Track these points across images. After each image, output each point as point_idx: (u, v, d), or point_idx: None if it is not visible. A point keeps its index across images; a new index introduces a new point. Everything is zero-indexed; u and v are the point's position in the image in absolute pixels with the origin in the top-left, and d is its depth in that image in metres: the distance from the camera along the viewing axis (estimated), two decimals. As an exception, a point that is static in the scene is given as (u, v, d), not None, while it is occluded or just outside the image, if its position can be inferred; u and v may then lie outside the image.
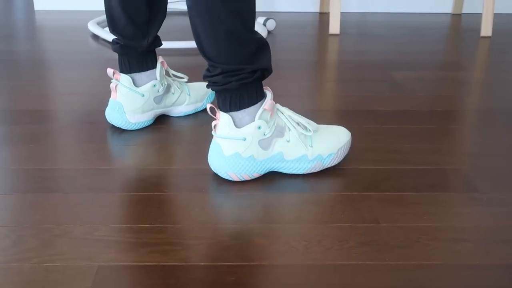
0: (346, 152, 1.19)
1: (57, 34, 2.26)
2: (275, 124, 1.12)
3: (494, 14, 2.33)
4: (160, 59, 1.39)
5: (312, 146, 1.14)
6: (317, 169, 1.16)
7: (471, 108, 1.54)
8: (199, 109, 1.49)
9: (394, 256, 0.92)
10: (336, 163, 1.18)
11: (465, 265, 0.90)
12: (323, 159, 1.15)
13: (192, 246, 0.94)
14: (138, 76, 1.36)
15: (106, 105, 1.52)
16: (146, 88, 1.36)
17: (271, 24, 2.30)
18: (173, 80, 1.45)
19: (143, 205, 1.05)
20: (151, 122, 1.41)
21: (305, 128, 1.15)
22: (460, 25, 2.46)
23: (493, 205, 1.07)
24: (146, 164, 1.20)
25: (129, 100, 1.33)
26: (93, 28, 2.20)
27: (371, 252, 0.93)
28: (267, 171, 1.15)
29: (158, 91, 1.38)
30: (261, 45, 1.09)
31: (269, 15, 2.35)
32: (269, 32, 2.28)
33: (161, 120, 1.43)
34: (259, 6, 2.63)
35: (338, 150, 1.17)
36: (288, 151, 1.13)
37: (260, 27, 2.23)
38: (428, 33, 2.32)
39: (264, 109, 1.10)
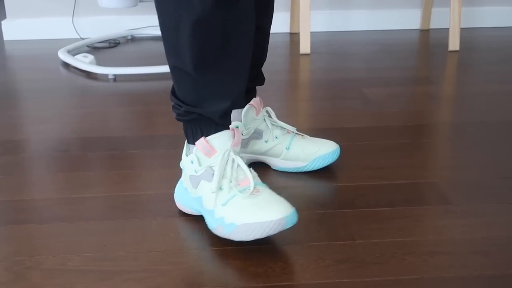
0: (268, 234, 0.94)
1: (27, 63, 2.24)
2: (206, 166, 1.02)
3: (461, 28, 2.36)
4: (253, 101, 1.22)
5: (223, 205, 0.99)
6: (220, 234, 0.99)
7: (443, 122, 1.56)
8: (300, 170, 1.25)
9: (371, 273, 0.92)
10: (244, 239, 0.96)
11: (442, 277, 0.90)
12: (225, 226, 0.98)
13: (168, 272, 0.93)
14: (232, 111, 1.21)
15: (78, 132, 1.51)
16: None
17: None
18: (273, 127, 1.26)
19: (117, 233, 1.04)
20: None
21: (228, 188, 1.00)
22: (428, 40, 2.50)
23: (467, 217, 1.07)
24: (120, 190, 1.19)
25: None
26: (64, 56, 2.19)
27: (348, 270, 0.92)
28: (198, 212, 1.07)
29: (242, 133, 1.23)
30: None
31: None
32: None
33: (134, 146, 1.42)
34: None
35: (247, 226, 0.95)
36: (205, 200, 1.02)
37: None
38: (398, 49, 2.35)
39: (197, 148, 1.03)
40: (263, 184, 1.01)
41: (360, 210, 1.10)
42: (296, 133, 1.27)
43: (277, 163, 1.26)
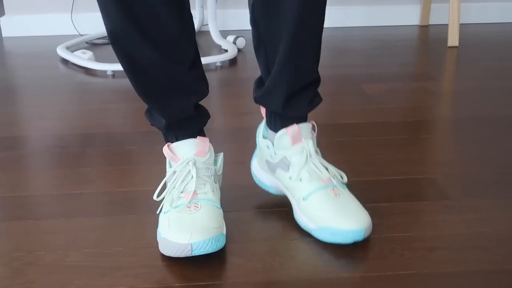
0: (177, 255, 0.92)
1: (26, 59, 2.24)
2: (172, 171, 1.02)
3: (460, 24, 2.36)
4: (291, 128, 1.04)
5: (164, 213, 0.99)
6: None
7: (442, 118, 1.55)
8: (310, 232, 1.01)
9: (370, 268, 0.92)
10: (164, 254, 0.94)
11: (440, 273, 0.90)
12: (158, 233, 0.98)
13: (166, 267, 0.93)
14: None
15: (76, 129, 1.50)
16: (260, 140, 1.10)
17: (241, 42, 2.30)
18: (308, 165, 1.03)
19: (116, 229, 1.04)
20: (273, 191, 1.11)
21: (171, 200, 0.99)
22: (427, 36, 2.49)
23: (466, 212, 1.07)
24: (119, 186, 1.19)
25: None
26: (62, 52, 2.19)
27: (346, 265, 0.92)
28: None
29: (270, 156, 1.07)
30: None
31: (239, 34, 2.37)
32: (239, 50, 2.29)
33: (140, 142, 1.42)
34: (229, 25, 2.65)
35: (165, 241, 0.94)
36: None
37: (230, 45, 2.24)
38: (397, 45, 2.35)
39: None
40: (209, 202, 0.97)
41: (359, 205, 1.10)
42: (334, 187, 1.00)
43: (295, 209, 1.04)
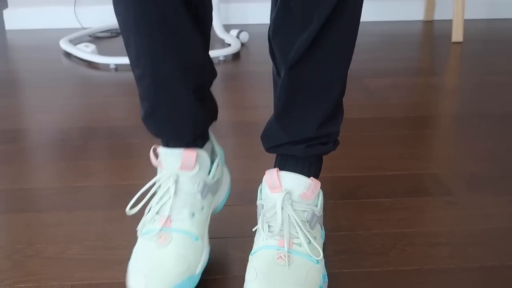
0: None
1: (29, 53, 2.23)
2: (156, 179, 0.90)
3: (465, 20, 2.35)
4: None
5: (139, 237, 0.87)
6: None
7: (445, 113, 1.55)
8: None
9: (371, 263, 0.91)
10: None
11: (442, 269, 0.90)
12: None
13: (167, 261, 0.92)
14: None
15: (79, 122, 1.50)
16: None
17: (244, 36, 2.30)
18: None
19: (117, 222, 1.04)
20: None
21: (144, 222, 0.87)
22: (432, 32, 2.48)
23: (468, 208, 1.07)
24: (121, 180, 1.19)
25: None
26: (65, 46, 2.18)
27: (348, 260, 0.92)
28: None
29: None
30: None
31: (242, 28, 2.36)
32: (242, 44, 2.28)
33: (132, 135, 1.41)
34: (232, 19, 2.64)
35: (128, 272, 0.83)
36: None
37: (233, 39, 2.23)
38: (401, 40, 2.34)
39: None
40: (183, 233, 0.84)
41: (361, 200, 1.09)
42: (288, 253, 0.80)
43: None
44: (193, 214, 0.86)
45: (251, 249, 0.84)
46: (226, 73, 1.96)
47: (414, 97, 1.68)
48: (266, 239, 0.82)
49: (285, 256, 0.79)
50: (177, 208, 0.85)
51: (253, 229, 0.87)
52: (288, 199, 0.82)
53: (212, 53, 2.06)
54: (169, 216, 0.84)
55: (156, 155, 0.89)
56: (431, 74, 1.90)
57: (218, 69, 1.99)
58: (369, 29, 2.52)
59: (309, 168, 0.89)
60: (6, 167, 1.26)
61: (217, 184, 0.93)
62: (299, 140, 0.87)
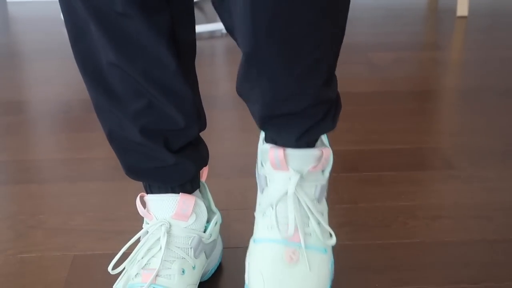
0: None
1: (30, 25, 2.22)
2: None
3: (470, -6, 2.33)
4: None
5: None
6: None
7: (449, 88, 1.54)
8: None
9: (373, 236, 0.91)
10: None
11: (444, 241, 0.90)
12: None
13: (170, 232, 0.93)
14: None
15: (81, 94, 1.50)
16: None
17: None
18: None
19: (120, 193, 1.04)
20: None
21: (124, 275, 0.74)
22: (436, 6, 2.46)
23: (471, 182, 1.07)
24: (123, 152, 1.19)
25: None
26: (67, 18, 2.17)
27: (350, 233, 0.92)
28: None
29: (259, 164, 0.82)
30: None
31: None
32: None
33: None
34: None
35: None
36: None
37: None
38: (405, 14, 2.32)
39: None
40: None
41: (364, 174, 1.09)
42: (295, 249, 0.73)
43: None
44: (183, 271, 0.73)
45: (252, 221, 0.84)
46: (227, 46, 1.94)
47: (417, 71, 1.67)
48: (271, 228, 0.73)
49: (294, 254, 0.71)
50: (166, 262, 0.72)
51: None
52: (297, 182, 0.72)
53: (214, 26, 2.05)
54: (157, 272, 0.71)
55: (144, 204, 0.77)
56: (435, 48, 1.89)
57: (220, 41, 1.98)
58: (372, 3, 2.50)
59: (319, 138, 0.76)
60: (9, 138, 1.26)
61: (212, 245, 0.80)
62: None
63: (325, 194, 0.78)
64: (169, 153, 0.73)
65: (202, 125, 0.77)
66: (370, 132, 1.27)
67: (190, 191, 0.77)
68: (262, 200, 0.75)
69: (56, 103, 1.45)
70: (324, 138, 0.78)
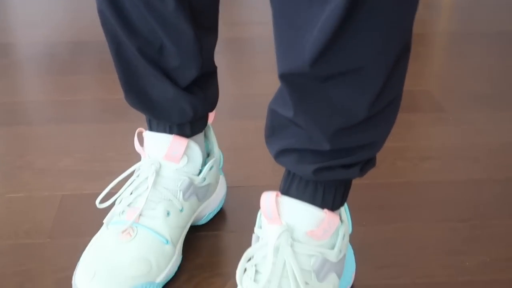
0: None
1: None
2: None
3: None
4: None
5: (104, 225, 0.72)
6: None
7: (440, 31, 1.52)
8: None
9: (361, 176, 0.92)
10: None
11: (431, 181, 0.90)
12: None
13: (158, 173, 0.93)
14: None
15: (67, 36, 1.47)
16: None
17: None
18: None
19: (108, 135, 1.03)
20: None
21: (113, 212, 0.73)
22: (430, -51, 2.42)
23: (460, 124, 1.07)
24: (111, 94, 1.18)
25: None
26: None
27: (338, 173, 0.92)
28: None
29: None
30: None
31: None
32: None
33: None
34: None
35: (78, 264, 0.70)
36: None
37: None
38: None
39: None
40: (150, 232, 0.70)
41: (353, 115, 1.09)
42: None
43: None
44: (168, 213, 0.72)
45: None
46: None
47: (409, 14, 1.65)
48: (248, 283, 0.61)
49: None
50: (151, 203, 0.71)
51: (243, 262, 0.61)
52: (287, 237, 0.59)
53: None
54: (141, 211, 0.70)
55: (141, 141, 0.75)
56: (427, -9, 1.86)
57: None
58: None
59: (324, 194, 0.62)
60: (-6, 81, 1.24)
61: (206, 189, 0.78)
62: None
63: (334, 271, 0.63)
64: (170, 84, 0.70)
65: (204, 69, 0.72)
66: (360, 75, 1.26)
67: (188, 134, 0.74)
68: (247, 262, 0.62)
69: (42, 46, 1.42)
70: (344, 210, 0.66)
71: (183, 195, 0.73)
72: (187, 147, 0.73)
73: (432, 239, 0.79)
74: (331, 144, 0.57)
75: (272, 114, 0.60)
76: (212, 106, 0.77)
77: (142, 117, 1.05)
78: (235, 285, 0.62)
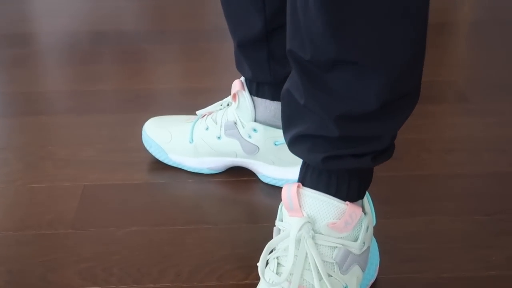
0: None
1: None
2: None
3: None
4: None
5: None
6: None
7: (464, 20, 1.50)
8: None
9: (386, 168, 0.89)
10: None
11: (456, 174, 0.89)
12: None
13: (180, 163, 0.92)
14: None
15: (88, 25, 1.47)
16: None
17: None
18: None
19: (129, 125, 1.02)
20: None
21: None
22: None
23: (485, 115, 1.05)
24: (132, 84, 1.17)
25: None
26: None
27: (361, 165, 0.91)
28: None
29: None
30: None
31: None
32: None
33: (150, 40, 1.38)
34: None
35: None
36: None
37: None
38: None
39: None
40: None
41: (376, 106, 1.07)
42: None
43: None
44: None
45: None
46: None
47: (433, 2, 1.61)
48: (272, 282, 0.60)
49: None
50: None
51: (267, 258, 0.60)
52: (309, 228, 0.58)
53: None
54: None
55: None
56: (451, -20, 1.83)
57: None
58: None
59: (338, 185, 0.60)
60: (16, 70, 1.24)
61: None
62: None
63: (357, 263, 0.61)
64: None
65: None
66: (383, 65, 1.24)
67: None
68: (270, 254, 0.61)
69: (63, 35, 1.42)
70: (367, 202, 0.65)
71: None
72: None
73: (457, 233, 0.77)
74: (339, 130, 0.57)
75: (288, 98, 0.60)
76: None
77: (162, 107, 1.05)
78: (257, 278, 0.61)
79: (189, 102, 1.09)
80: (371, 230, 0.64)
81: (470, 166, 0.91)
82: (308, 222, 0.58)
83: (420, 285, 0.69)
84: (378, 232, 0.71)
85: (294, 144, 0.62)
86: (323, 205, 0.59)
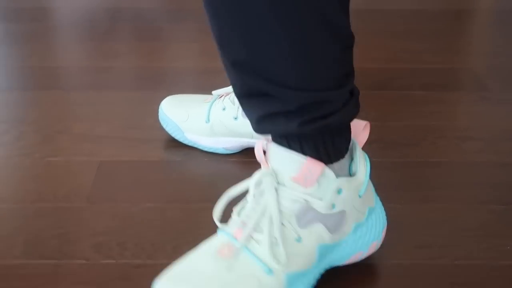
0: None
1: None
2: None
3: None
4: None
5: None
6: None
7: (484, 8, 1.48)
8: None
9: (400, 153, 0.90)
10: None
11: (472, 162, 0.88)
12: None
13: (195, 142, 0.92)
14: None
15: (106, 2, 1.47)
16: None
17: None
18: None
19: (145, 103, 1.03)
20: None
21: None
22: None
23: (503, 104, 1.04)
24: (148, 62, 1.17)
25: None
26: None
27: (377, 150, 0.91)
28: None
29: None
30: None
31: None
32: None
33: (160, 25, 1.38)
34: None
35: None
36: None
37: None
38: None
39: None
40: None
41: (394, 92, 1.07)
42: (233, 245, 0.60)
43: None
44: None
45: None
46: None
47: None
48: (230, 223, 0.62)
49: (229, 250, 0.59)
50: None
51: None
52: (272, 179, 0.61)
53: None
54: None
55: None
56: (472, -33, 1.81)
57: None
58: None
59: (315, 144, 0.61)
60: (35, 44, 1.25)
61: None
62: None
63: (321, 221, 0.62)
64: None
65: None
66: (401, 51, 1.24)
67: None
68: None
69: (81, 11, 1.42)
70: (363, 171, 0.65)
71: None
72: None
73: (472, 220, 0.77)
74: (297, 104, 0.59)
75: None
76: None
77: (179, 86, 1.05)
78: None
79: (206, 81, 1.09)
80: (348, 195, 0.63)
81: (487, 155, 0.90)
82: (272, 173, 0.61)
83: (434, 272, 0.69)
84: (392, 217, 0.71)
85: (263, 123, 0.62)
86: (284, 159, 0.61)
